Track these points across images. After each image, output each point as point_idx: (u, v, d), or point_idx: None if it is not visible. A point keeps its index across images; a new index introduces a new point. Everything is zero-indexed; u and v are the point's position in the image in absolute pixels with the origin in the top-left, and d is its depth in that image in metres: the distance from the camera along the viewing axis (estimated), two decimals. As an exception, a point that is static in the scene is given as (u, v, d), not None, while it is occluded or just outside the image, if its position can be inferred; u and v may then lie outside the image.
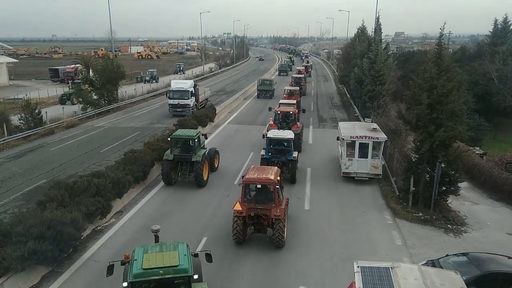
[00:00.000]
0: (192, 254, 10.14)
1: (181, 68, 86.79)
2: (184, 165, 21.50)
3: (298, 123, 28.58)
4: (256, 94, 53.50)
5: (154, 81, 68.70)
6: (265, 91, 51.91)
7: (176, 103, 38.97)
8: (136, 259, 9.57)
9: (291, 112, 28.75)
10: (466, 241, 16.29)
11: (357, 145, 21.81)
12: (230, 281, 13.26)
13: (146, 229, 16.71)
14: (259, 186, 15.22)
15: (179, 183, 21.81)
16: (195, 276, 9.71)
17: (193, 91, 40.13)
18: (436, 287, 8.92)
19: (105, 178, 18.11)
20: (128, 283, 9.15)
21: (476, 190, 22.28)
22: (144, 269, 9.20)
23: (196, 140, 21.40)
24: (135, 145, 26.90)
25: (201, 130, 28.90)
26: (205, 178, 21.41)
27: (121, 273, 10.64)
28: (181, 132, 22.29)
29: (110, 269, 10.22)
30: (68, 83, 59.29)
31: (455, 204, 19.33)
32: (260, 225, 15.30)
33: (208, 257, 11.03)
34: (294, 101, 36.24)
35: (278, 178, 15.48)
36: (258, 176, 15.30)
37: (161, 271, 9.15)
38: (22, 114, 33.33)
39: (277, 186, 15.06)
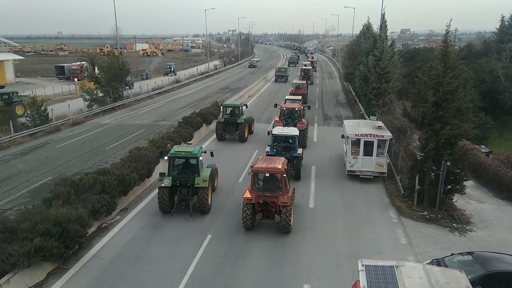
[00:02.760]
0: (203, 151, 19.20)
1: (172, 69, 76.59)
2: (231, 126, 30.14)
3: (303, 120, 28.98)
4: (262, 91, 56.97)
5: (127, 87, 52.33)
6: (281, 76, 66.23)
7: None
8: (172, 148, 18.77)
9: (296, 109, 29.13)
10: (472, 240, 16.22)
11: (362, 143, 21.75)
12: (234, 279, 13.28)
13: (151, 226, 16.87)
14: (267, 175, 16.13)
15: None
16: (200, 158, 18.11)
17: None
18: (441, 286, 8.89)
19: (111, 175, 18.18)
20: (167, 157, 18.00)
21: (482, 188, 22.14)
22: (176, 151, 18.22)
23: (240, 108, 30.35)
24: (140, 143, 26.98)
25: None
26: (246, 136, 30.15)
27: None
28: (229, 102, 33.14)
29: (161, 154, 20.44)
30: (74, 80, 59.64)
31: (460, 202, 19.22)
32: (268, 211, 16.27)
33: (211, 154, 20.16)
34: (300, 97, 37.40)
35: (285, 167, 16.42)
36: (267, 166, 16.28)
37: (183, 153, 18.10)
38: (28, 111, 33.57)
39: (284, 175, 15.94)
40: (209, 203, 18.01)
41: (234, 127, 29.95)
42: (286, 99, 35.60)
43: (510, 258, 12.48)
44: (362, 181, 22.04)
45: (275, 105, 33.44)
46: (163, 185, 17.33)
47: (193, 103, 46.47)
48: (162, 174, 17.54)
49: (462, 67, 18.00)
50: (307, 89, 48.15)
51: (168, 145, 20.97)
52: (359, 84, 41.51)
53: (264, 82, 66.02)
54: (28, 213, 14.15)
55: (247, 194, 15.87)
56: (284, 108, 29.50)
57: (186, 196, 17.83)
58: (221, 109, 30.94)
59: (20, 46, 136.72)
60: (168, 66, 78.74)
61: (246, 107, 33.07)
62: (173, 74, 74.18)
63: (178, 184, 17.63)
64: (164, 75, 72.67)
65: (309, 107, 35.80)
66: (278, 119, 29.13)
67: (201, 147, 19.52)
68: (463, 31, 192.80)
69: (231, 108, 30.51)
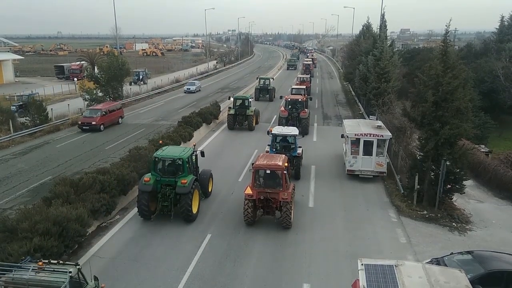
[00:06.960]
0: (251, 97, 35.74)
1: (141, 77, 60.32)
2: (264, 91, 47.32)
3: (306, 109, 32.42)
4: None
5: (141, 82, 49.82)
6: (292, 65, 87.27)
7: None
8: (234, 95, 35.89)
9: (299, 99, 32.75)
10: (471, 239, 16.24)
11: (361, 143, 21.76)
12: (233, 278, 13.29)
13: (151, 225, 16.85)
14: (268, 171, 16.39)
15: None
16: (250, 100, 33.89)
17: None
18: (441, 285, 8.91)
19: (110, 175, 18.15)
20: (233, 98, 34.46)
21: (481, 188, 22.16)
22: (237, 95, 35.15)
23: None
24: (140, 142, 26.96)
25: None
26: (273, 97, 46.78)
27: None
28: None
29: (229, 98, 37.72)
30: (73, 80, 59.58)
31: (460, 202, 19.24)
32: (269, 207, 16.58)
33: (254, 99, 42.82)
34: (304, 87, 42.06)
35: (286, 164, 16.66)
36: (267, 163, 16.56)
37: (241, 97, 34.28)
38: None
39: (284, 172, 16.23)
40: (254, 125, 32.98)
41: (265, 92, 47.07)
42: (292, 88, 40.68)
43: (510, 257, 12.51)
44: (361, 180, 22.05)
45: (280, 97, 37.01)
46: (230, 112, 32.84)
47: (193, 102, 46.47)
48: (229, 107, 33.23)
49: (462, 67, 18.00)
50: (310, 83, 53.28)
51: (231, 96, 37.09)
52: (358, 84, 41.52)
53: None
54: (27, 213, 14.14)
55: (248, 191, 16.16)
56: (289, 99, 32.95)
57: (242, 120, 32.90)
58: (257, 81, 47.96)
59: (20, 46, 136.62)
60: (136, 73, 60.88)
61: (273, 79, 50.35)
62: (142, 83, 58.72)
63: (238, 113, 32.72)
64: (130, 84, 54.57)
65: (310, 98, 39.99)
66: (283, 108, 32.15)
67: (251, 95, 38.49)
68: (463, 31, 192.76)
69: (264, 80, 47.88)
